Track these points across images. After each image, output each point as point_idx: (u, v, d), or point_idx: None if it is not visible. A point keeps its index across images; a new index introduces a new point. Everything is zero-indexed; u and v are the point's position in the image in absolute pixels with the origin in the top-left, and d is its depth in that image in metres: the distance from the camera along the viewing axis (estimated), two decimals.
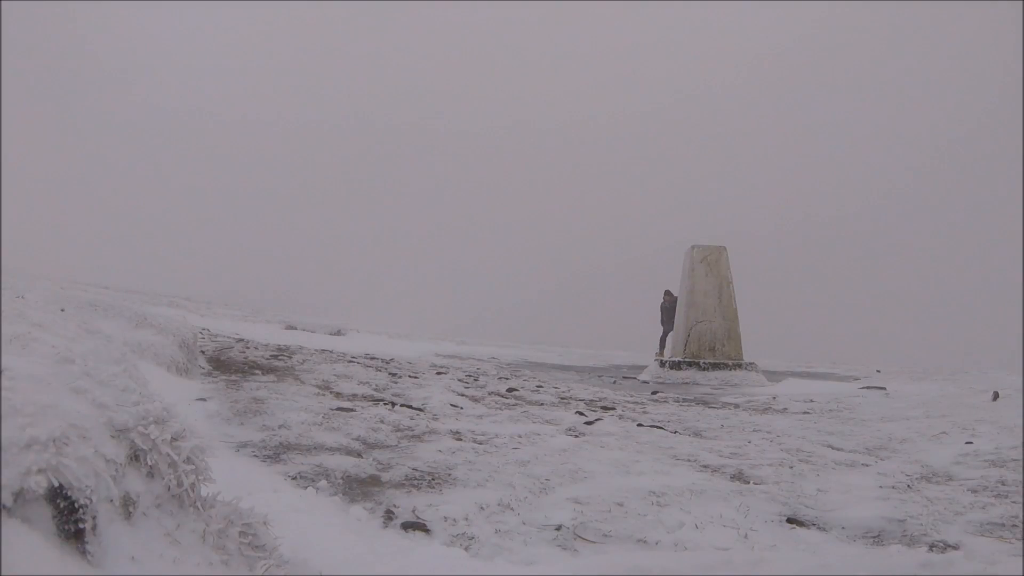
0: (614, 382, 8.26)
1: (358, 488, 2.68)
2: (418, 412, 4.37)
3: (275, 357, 6.64)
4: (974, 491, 3.03)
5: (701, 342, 9.76)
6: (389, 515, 2.40)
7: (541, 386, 6.70)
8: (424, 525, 2.32)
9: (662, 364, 9.66)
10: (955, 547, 2.30)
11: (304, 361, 6.52)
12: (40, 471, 0.99)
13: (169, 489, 1.27)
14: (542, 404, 5.36)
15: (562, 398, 5.88)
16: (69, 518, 1.02)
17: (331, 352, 8.17)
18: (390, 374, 6.32)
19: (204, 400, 4.10)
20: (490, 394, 5.67)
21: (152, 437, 1.27)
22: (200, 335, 6.97)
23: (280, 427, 3.55)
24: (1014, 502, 2.83)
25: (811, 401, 6.48)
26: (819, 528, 2.51)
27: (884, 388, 7.55)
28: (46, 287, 7.00)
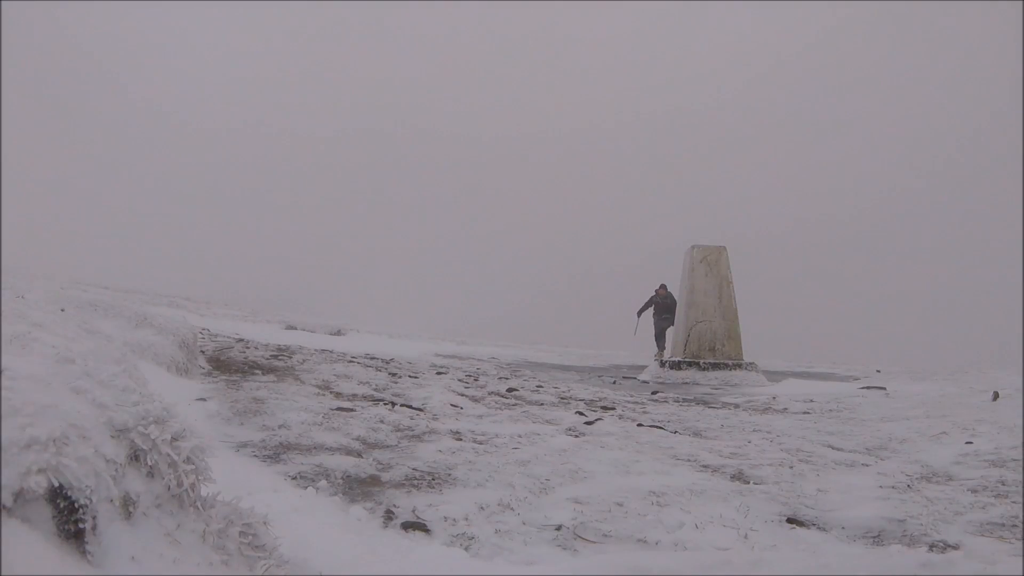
0: (614, 382, 8.26)
1: (358, 488, 2.68)
2: (418, 412, 4.37)
3: (275, 357, 6.64)
4: (974, 491, 3.03)
5: (701, 342, 9.76)
6: (389, 515, 2.40)
7: (541, 386, 6.70)
8: (424, 525, 2.32)
9: (662, 364, 9.66)
10: (955, 547, 2.30)
11: (304, 361, 6.52)
12: (40, 471, 0.99)
13: (169, 489, 1.27)
14: (542, 404, 5.36)
15: (562, 398, 5.88)
16: (69, 518, 1.02)
17: (331, 352, 8.17)
18: (390, 374, 6.32)
19: (204, 400, 4.10)
20: (490, 394, 5.67)
21: (152, 437, 1.27)
22: (200, 335, 6.97)
23: (280, 427, 3.55)
24: (1014, 502, 2.83)
25: (811, 401, 6.48)
26: (819, 528, 2.51)
27: (884, 388, 7.55)
28: (46, 287, 7.00)
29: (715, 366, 9.44)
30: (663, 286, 13.88)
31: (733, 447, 3.94)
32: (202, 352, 6.04)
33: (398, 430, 3.76)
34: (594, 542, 2.26)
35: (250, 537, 1.40)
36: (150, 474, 1.26)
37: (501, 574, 1.95)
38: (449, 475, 2.95)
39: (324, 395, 4.70)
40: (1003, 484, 3.13)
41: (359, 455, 3.16)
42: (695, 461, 3.51)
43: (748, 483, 3.10)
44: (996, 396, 5.96)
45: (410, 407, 4.50)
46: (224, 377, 5.13)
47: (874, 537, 2.43)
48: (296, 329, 12.03)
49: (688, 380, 8.97)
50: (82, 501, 1.04)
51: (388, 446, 3.39)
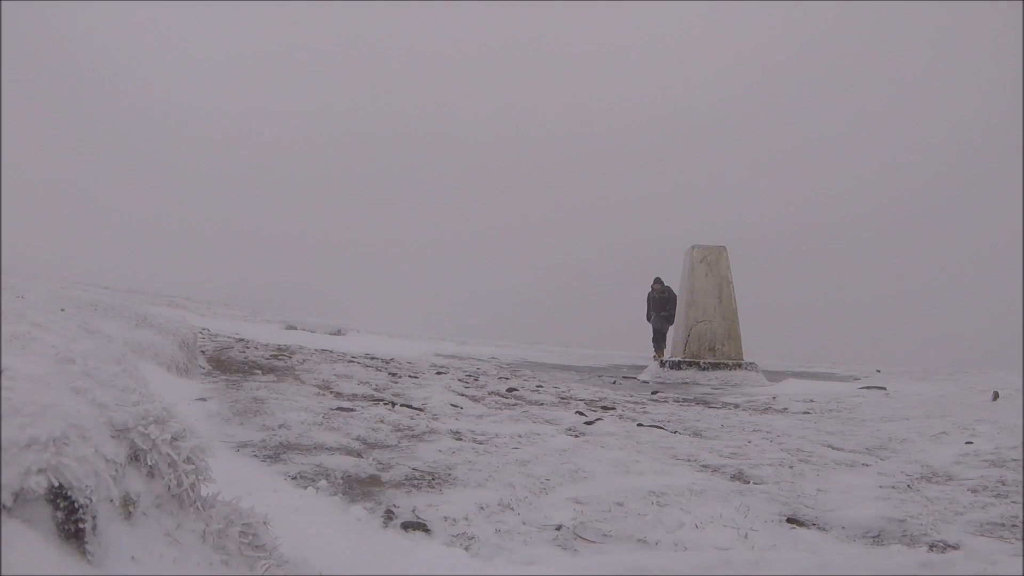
0: (614, 382, 8.26)
1: (358, 488, 2.68)
2: (418, 412, 4.37)
3: (275, 357, 6.64)
4: (974, 491, 3.03)
5: (701, 342, 9.76)
6: (389, 515, 2.40)
7: (541, 386, 6.70)
8: (424, 525, 2.32)
9: (662, 364, 9.66)
10: (955, 547, 2.30)
11: (304, 361, 6.52)
12: (40, 471, 0.99)
13: (169, 489, 1.28)
14: (542, 404, 5.36)
15: (562, 398, 5.88)
16: (69, 518, 1.02)
17: (331, 352, 8.17)
18: (390, 374, 6.32)
19: (204, 400, 4.10)
20: (490, 394, 5.67)
21: (152, 437, 1.27)
22: (200, 335, 6.97)
23: (280, 427, 3.55)
24: (1014, 502, 2.83)
25: (811, 401, 6.48)
26: (819, 528, 2.51)
27: (884, 388, 7.55)
28: (46, 287, 7.00)
29: (715, 366, 9.44)
30: (658, 280, 13.17)
31: (733, 447, 3.94)
32: (202, 352, 6.04)
33: (398, 430, 3.76)
34: (594, 542, 2.26)
35: (250, 537, 1.40)
36: (150, 474, 1.26)
37: (501, 574, 1.95)
38: (449, 475, 2.95)
39: (324, 395, 4.70)
40: (1003, 484, 3.13)
41: (359, 455, 3.16)
42: (695, 461, 3.51)
43: (748, 483, 3.11)
44: (996, 396, 5.96)
45: (410, 407, 4.50)
46: (224, 377, 5.13)
47: (874, 537, 2.43)
48: (296, 329, 12.03)
49: (688, 380, 8.97)
50: (82, 501, 1.04)
51: (388, 446, 3.39)
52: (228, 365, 5.75)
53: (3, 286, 3.92)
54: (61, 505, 1.02)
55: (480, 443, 3.63)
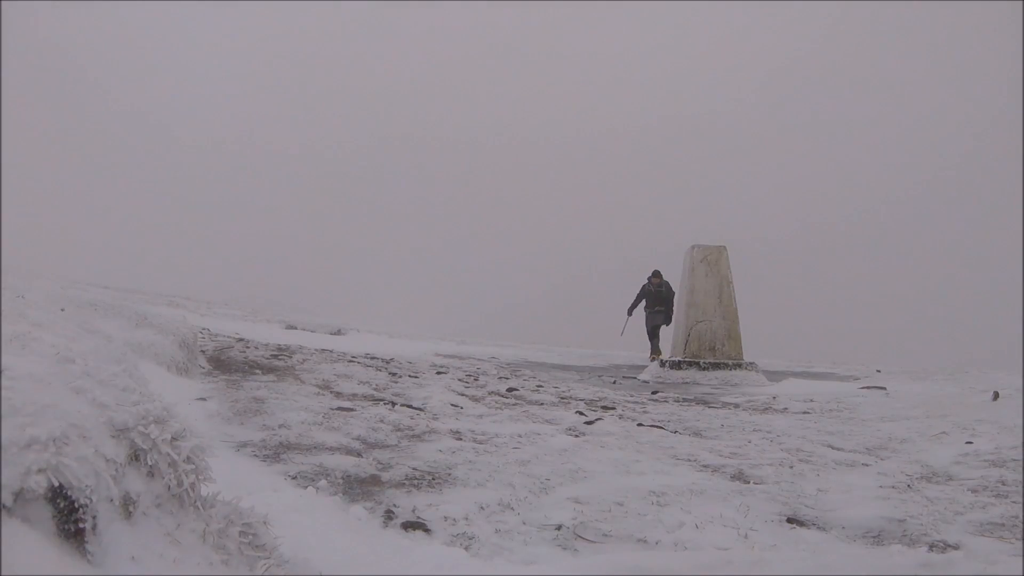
0: (614, 382, 8.26)
1: (358, 488, 2.68)
2: (418, 412, 4.37)
3: (275, 357, 6.64)
4: (974, 491, 3.03)
5: (701, 342, 9.76)
6: (389, 515, 2.40)
7: (541, 386, 6.70)
8: (424, 525, 2.32)
9: (662, 364, 9.66)
10: (955, 547, 2.30)
11: (304, 361, 6.52)
12: (40, 471, 0.99)
13: (169, 489, 1.28)
14: (542, 404, 5.36)
15: (562, 398, 5.88)
16: (69, 518, 1.02)
17: (331, 352, 8.16)
18: (390, 374, 6.32)
19: (204, 400, 4.10)
20: (490, 394, 5.67)
21: (152, 437, 1.27)
22: (200, 335, 6.97)
23: (280, 427, 3.55)
24: (1014, 502, 2.83)
25: (811, 401, 6.48)
26: (819, 528, 2.51)
27: (884, 388, 7.55)
28: (46, 287, 7.00)
29: (715, 366, 9.44)
30: (656, 273, 12.46)
31: (733, 447, 3.94)
32: (202, 352, 6.04)
33: (398, 430, 3.76)
34: (594, 542, 2.26)
35: (250, 537, 1.40)
36: (150, 474, 1.26)
37: (501, 574, 1.95)
38: (449, 475, 2.95)
39: (324, 395, 4.70)
40: (1003, 484, 3.13)
41: (359, 455, 3.16)
42: (695, 461, 3.51)
43: (748, 483, 3.11)
44: (996, 396, 5.95)
45: (410, 407, 4.50)
46: (224, 377, 5.13)
47: (874, 537, 2.43)
48: (296, 329, 12.03)
49: (688, 380, 8.97)
50: (82, 501, 1.04)
51: (388, 446, 3.39)
52: (228, 365, 5.75)
53: (3, 286, 3.91)
54: (61, 505, 1.02)
55: (480, 443, 3.63)
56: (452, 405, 4.76)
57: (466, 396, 5.30)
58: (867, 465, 3.57)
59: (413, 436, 3.65)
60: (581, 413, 4.88)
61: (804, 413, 5.65)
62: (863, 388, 7.63)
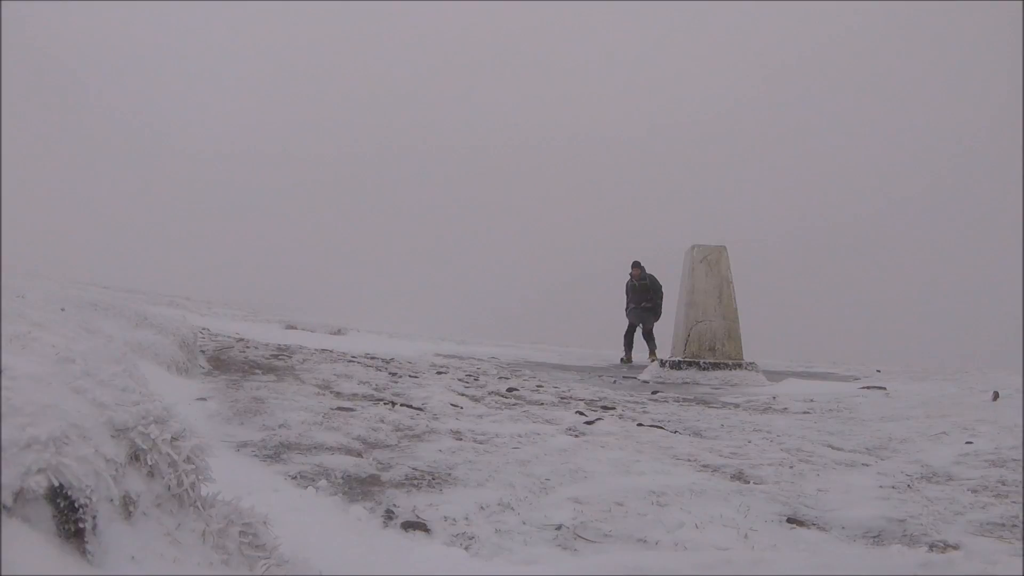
0: (614, 382, 8.26)
1: (358, 488, 2.68)
2: (418, 412, 4.37)
3: (275, 356, 6.64)
4: (974, 491, 3.03)
5: (701, 342, 9.76)
6: (389, 515, 2.40)
7: (541, 386, 6.70)
8: (424, 525, 2.32)
9: (662, 364, 9.65)
10: (955, 547, 2.30)
11: (304, 361, 6.52)
12: (40, 471, 0.99)
13: (169, 489, 1.28)
14: (542, 404, 5.36)
15: (562, 398, 5.88)
16: (69, 518, 1.02)
17: (331, 352, 8.16)
18: (390, 374, 6.32)
19: (204, 400, 4.10)
20: (490, 394, 5.67)
21: (152, 437, 1.27)
22: (200, 334, 6.97)
23: (280, 427, 3.55)
24: (1014, 502, 2.83)
25: (811, 401, 6.48)
26: (819, 528, 2.51)
27: (884, 388, 7.54)
28: (46, 287, 7.00)
29: (715, 366, 9.44)
30: (636, 264, 11.75)
31: (733, 447, 3.94)
32: (202, 352, 6.04)
33: (398, 430, 3.76)
34: (594, 542, 2.26)
35: (250, 537, 1.40)
36: (150, 474, 1.26)
37: (501, 574, 1.95)
38: (449, 475, 2.95)
39: (324, 395, 4.70)
40: (1003, 484, 3.13)
41: (359, 455, 3.16)
42: (695, 461, 3.51)
43: (748, 483, 3.11)
44: (996, 396, 5.95)
45: (410, 407, 4.50)
46: (224, 377, 5.13)
47: (874, 537, 2.43)
48: (296, 329, 12.02)
49: (688, 380, 8.97)
50: (82, 501, 1.04)
51: (388, 446, 3.39)
52: (228, 365, 5.75)
53: (3, 286, 3.92)
54: (61, 505, 1.02)
55: (480, 443, 3.63)
56: (452, 405, 4.76)
57: (466, 396, 5.30)
58: (867, 465, 3.57)
59: (413, 436, 3.65)
60: (581, 413, 4.88)
61: (804, 413, 5.65)
62: (863, 388, 7.63)
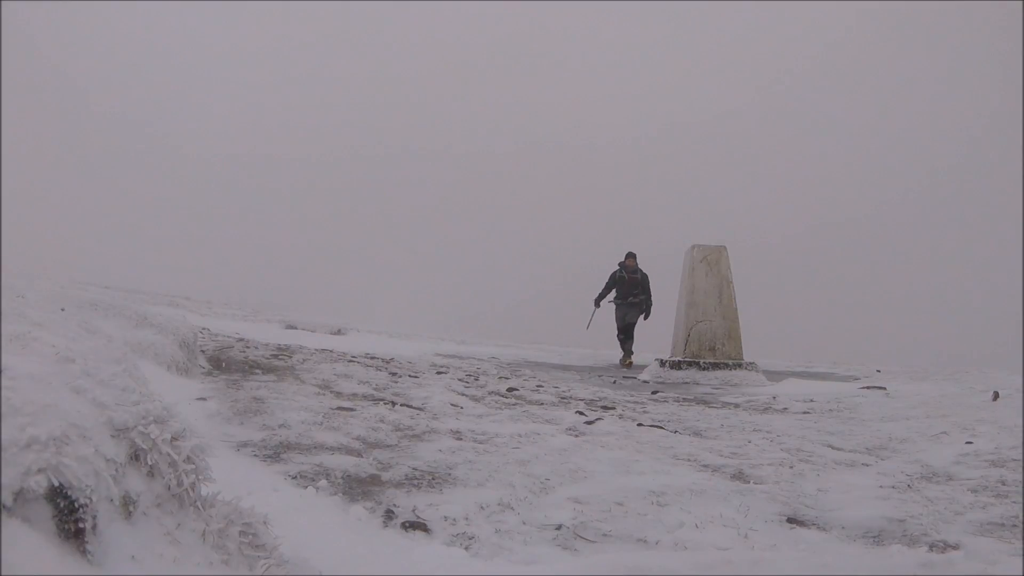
0: (614, 382, 8.26)
1: (358, 487, 2.68)
2: (418, 411, 4.37)
3: (275, 356, 6.64)
4: (974, 491, 3.03)
5: (701, 342, 9.77)
6: (389, 514, 2.40)
7: (541, 386, 6.70)
8: (424, 525, 2.32)
9: (662, 364, 9.65)
10: (955, 547, 2.30)
11: (304, 360, 6.52)
12: (40, 471, 0.99)
13: (169, 488, 1.28)
14: (542, 404, 5.36)
15: (562, 398, 5.88)
16: (69, 518, 1.02)
17: (331, 351, 8.16)
18: (390, 374, 6.32)
19: (204, 399, 4.10)
20: (490, 394, 5.68)
21: (152, 436, 1.27)
22: (200, 334, 6.97)
23: (280, 426, 3.55)
24: (1014, 502, 2.83)
25: (811, 401, 6.48)
26: (819, 528, 2.51)
27: (884, 388, 7.54)
28: (46, 287, 7.00)
29: (715, 366, 9.44)
30: (631, 255, 11.21)
31: (733, 447, 3.94)
32: (202, 351, 6.04)
33: (398, 429, 3.76)
34: (594, 542, 2.26)
35: (250, 537, 1.40)
36: (150, 474, 1.26)
37: (501, 574, 1.95)
38: (449, 474, 2.95)
39: (324, 394, 4.70)
40: (1003, 484, 3.13)
41: (359, 454, 3.16)
42: (695, 461, 3.51)
43: (748, 483, 3.11)
44: (996, 396, 5.95)
45: (410, 407, 4.51)
46: (224, 376, 5.13)
47: (874, 537, 2.43)
48: (296, 328, 12.03)
49: (688, 380, 8.97)
50: (82, 501, 1.04)
51: (388, 445, 3.39)
52: (228, 365, 5.75)
53: (3, 286, 3.92)
54: (61, 505, 1.02)
55: (480, 443, 3.63)
56: (452, 405, 4.76)
57: (466, 396, 5.30)
58: (867, 465, 3.57)
59: (413, 436, 3.65)
60: (581, 413, 4.88)
61: (804, 413, 5.65)
62: (863, 388, 7.63)
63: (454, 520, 2.38)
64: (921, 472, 3.43)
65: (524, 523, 2.40)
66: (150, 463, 1.25)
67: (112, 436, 1.20)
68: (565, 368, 9.99)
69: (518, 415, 4.63)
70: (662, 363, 9.71)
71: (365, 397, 4.82)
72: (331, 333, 11.99)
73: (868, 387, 7.71)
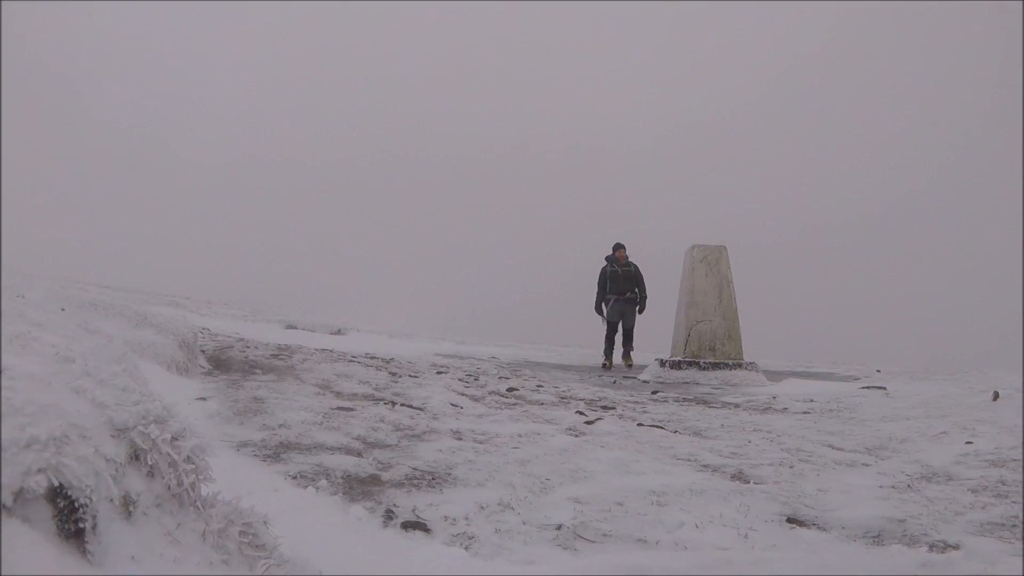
0: (614, 382, 8.26)
1: (358, 487, 2.68)
2: (418, 411, 4.37)
3: (275, 356, 6.64)
4: (974, 491, 3.03)
5: (701, 342, 9.77)
6: (389, 514, 2.40)
7: (541, 385, 6.70)
8: (424, 524, 2.32)
9: (662, 364, 9.65)
10: (955, 547, 2.30)
11: (304, 360, 6.52)
12: (40, 471, 0.99)
13: (169, 488, 1.28)
14: (542, 403, 5.36)
15: (562, 397, 5.88)
16: (69, 518, 1.02)
17: (331, 351, 8.16)
18: (390, 373, 6.32)
19: (204, 399, 4.10)
20: (490, 393, 5.67)
21: (152, 436, 1.27)
22: (200, 334, 6.97)
23: (280, 426, 3.55)
24: (1014, 502, 2.83)
25: (811, 401, 6.48)
26: (819, 528, 2.51)
27: (884, 388, 7.54)
28: (46, 286, 7.00)
29: (715, 366, 9.44)
30: (620, 246, 10.57)
31: (733, 447, 3.94)
32: (202, 351, 6.04)
33: (398, 429, 3.76)
34: (594, 542, 2.26)
35: (250, 536, 1.40)
36: (150, 473, 1.26)
37: (501, 574, 1.95)
38: (449, 474, 2.95)
39: (324, 394, 4.70)
40: (1003, 484, 3.13)
41: (359, 454, 3.16)
42: (695, 461, 3.51)
43: (748, 483, 3.11)
44: (996, 396, 5.95)
45: (410, 406, 4.50)
46: (224, 376, 5.13)
47: (874, 537, 2.43)
48: (296, 328, 12.03)
49: (688, 380, 8.97)
50: (82, 501, 1.04)
51: (388, 445, 3.39)
52: (228, 364, 5.75)
53: (3, 286, 3.92)
54: (61, 505, 1.01)
55: (480, 442, 3.63)
56: (452, 405, 4.76)
57: (466, 396, 5.30)
58: (867, 465, 3.57)
59: (413, 436, 3.65)
60: (581, 413, 4.88)
61: (804, 413, 5.65)
62: (863, 388, 7.63)
63: (454, 520, 2.38)
64: (921, 472, 3.43)
65: (524, 523, 2.40)
66: (150, 463, 1.25)
67: (112, 436, 1.20)
68: (565, 368, 9.99)
69: (518, 415, 4.63)
70: (662, 363, 9.71)
71: (365, 397, 4.82)
72: (331, 333, 11.99)
73: (868, 387, 7.71)
